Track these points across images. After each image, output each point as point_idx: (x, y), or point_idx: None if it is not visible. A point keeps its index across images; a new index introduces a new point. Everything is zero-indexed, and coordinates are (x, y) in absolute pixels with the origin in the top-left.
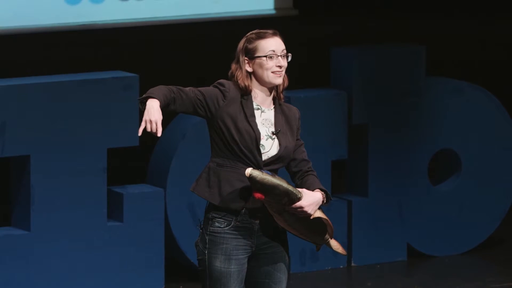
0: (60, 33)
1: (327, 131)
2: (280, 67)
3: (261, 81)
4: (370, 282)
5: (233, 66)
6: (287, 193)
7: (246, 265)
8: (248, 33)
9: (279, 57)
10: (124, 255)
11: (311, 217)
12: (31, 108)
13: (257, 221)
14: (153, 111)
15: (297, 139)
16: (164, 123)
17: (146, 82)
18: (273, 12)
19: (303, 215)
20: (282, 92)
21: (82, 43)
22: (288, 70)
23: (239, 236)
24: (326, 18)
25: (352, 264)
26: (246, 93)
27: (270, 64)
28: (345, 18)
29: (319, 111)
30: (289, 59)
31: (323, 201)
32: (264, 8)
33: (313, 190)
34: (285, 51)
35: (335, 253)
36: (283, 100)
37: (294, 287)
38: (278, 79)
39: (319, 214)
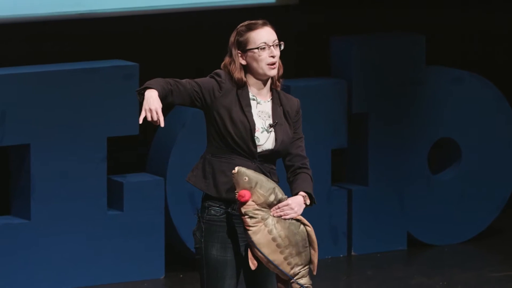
0: (59, 22)
1: (327, 120)
2: (273, 57)
3: (256, 74)
4: (370, 271)
5: (226, 59)
6: (274, 189)
7: (243, 254)
8: (239, 26)
9: (271, 47)
10: (124, 244)
11: (297, 217)
12: (30, 97)
13: None
14: (152, 100)
15: (297, 134)
16: (164, 112)
17: (146, 71)
18: (273, 1)
19: (289, 215)
20: (278, 80)
21: (80, 32)
22: (289, 59)
23: (235, 225)
24: (326, 7)
25: (352, 253)
26: (240, 85)
27: (263, 55)
28: (345, 7)
29: (319, 100)
30: (282, 47)
31: (305, 203)
32: None
33: (297, 193)
34: (277, 41)
35: (335, 241)
36: (279, 88)
37: None
38: (273, 71)
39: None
